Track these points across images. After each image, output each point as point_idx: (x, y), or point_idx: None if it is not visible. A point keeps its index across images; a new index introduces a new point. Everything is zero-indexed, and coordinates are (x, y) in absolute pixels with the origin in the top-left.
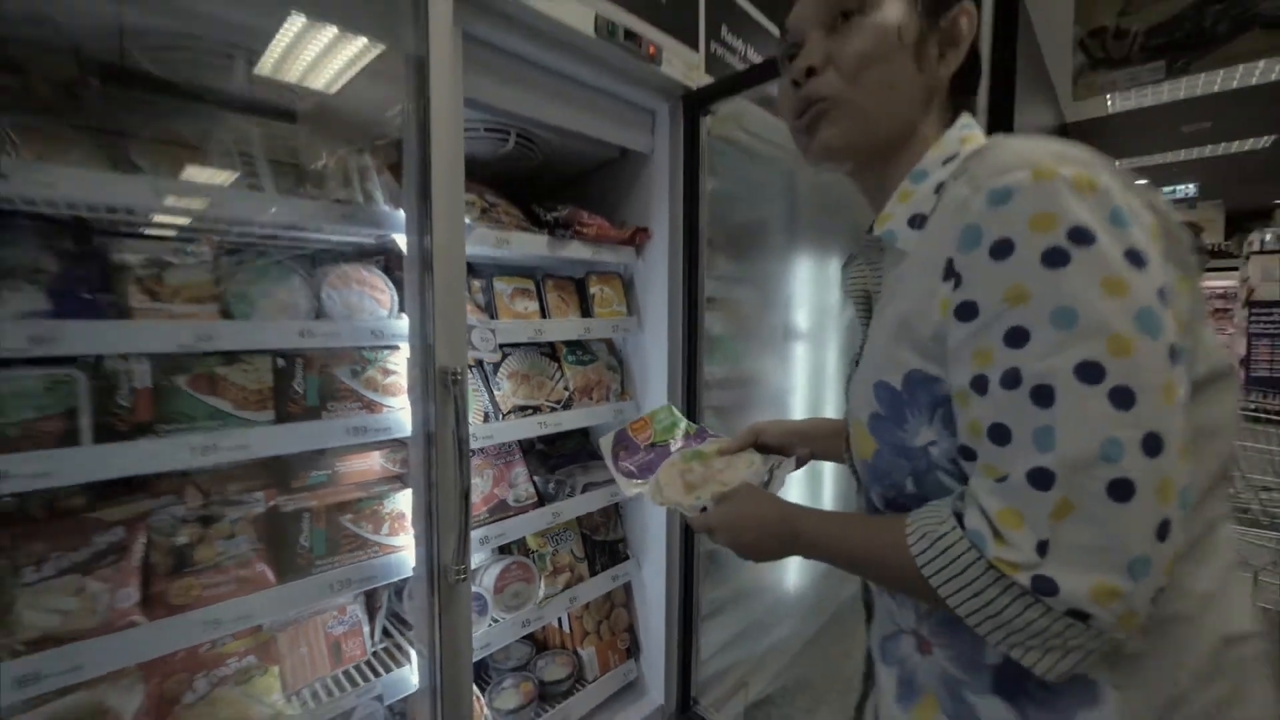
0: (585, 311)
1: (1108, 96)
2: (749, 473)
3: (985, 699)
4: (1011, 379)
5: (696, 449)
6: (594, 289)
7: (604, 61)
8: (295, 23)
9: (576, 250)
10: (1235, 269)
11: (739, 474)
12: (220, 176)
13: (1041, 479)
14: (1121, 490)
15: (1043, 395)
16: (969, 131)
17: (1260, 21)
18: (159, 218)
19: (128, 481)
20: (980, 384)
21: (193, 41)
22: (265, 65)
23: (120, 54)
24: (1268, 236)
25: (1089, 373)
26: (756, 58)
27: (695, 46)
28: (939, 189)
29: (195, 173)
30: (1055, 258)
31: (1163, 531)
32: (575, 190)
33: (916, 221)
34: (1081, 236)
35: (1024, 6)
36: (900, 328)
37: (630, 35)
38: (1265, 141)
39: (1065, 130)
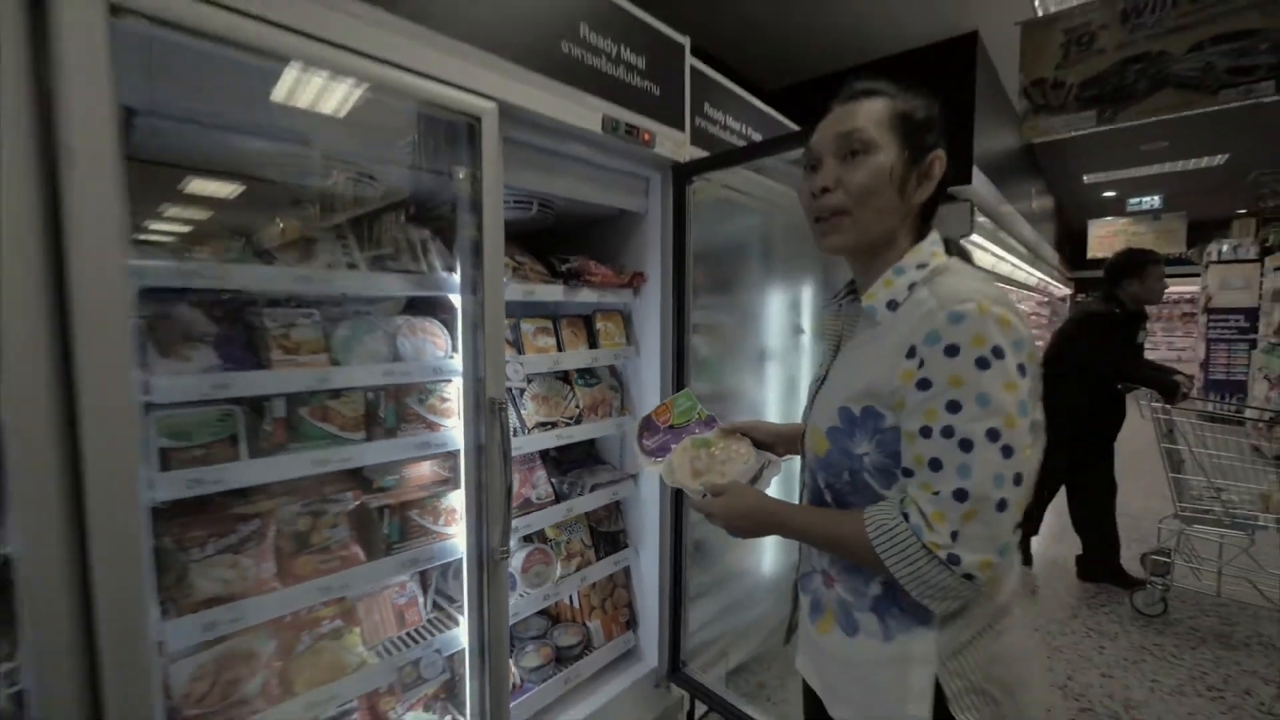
0: (593, 343)
1: None
2: (743, 467)
3: (864, 615)
4: (948, 432)
5: (705, 436)
6: (599, 325)
7: (609, 148)
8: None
9: (585, 295)
10: (1198, 275)
11: (736, 467)
12: (329, 259)
13: (961, 495)
14: (1001, 506)
15: (966, 445)
16: (936, 248)
17: (1173, 81)
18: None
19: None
20: (926, 432)
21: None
22: (355, 175)
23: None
24: (1224, 248)
25: (993, 435)
26: (734, 124)
27: (682, 127)
28: (911, 287)
29: (313, 256)
30: (982, 363)
31: (1014, 529)
32: (583, 238)
33: (892, 305)
34: (998, 353)
35: (984, 49)
36: (869, 384)
37: (630, 128)
38: (1220, 159)
39: (1031, 150)
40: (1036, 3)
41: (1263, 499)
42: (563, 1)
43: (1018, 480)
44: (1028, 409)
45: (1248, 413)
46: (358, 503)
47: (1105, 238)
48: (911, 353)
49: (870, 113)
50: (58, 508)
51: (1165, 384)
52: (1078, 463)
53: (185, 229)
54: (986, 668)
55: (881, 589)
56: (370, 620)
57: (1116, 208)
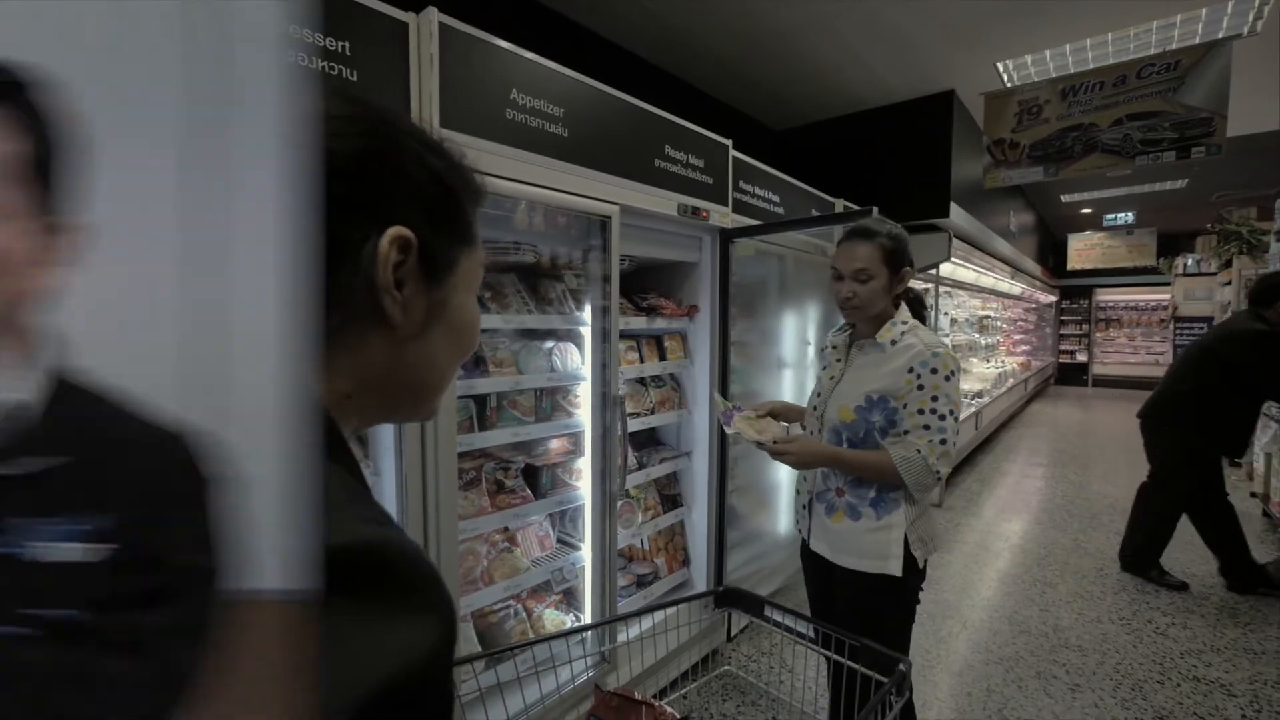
0: (662, 357)
1: None
2: (778, 429)
3: (865, 508)
4: (931, 411)
5: (748, 415)
6: (667, 343)
7: (679, 222)
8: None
9: (659, 323)
10: (1168, 284)
11: (772, 430)
12: (516, 306)
13: (942, 443)
14: (954, 446)
15: (941, 418)
16: (908, 314)
17: (1100, 148)
18: (519, 328)
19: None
20: (921, 411)
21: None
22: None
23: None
24: (1189, 262)
25: (951, 413)
26: (760, 192)
27: (726, 202)
28: (901, 334)
29: (508, 305)
30: (947, 379)
31: (954, 456)
32: (652, 278)
33: (893, 342)
34: (953, 374)
35: (960, 104)
36: (884, 385)
37: (694, 209)
38: (1181, 183)
39: None
40: (1001, 70)
41: None
42: (658, 135)
43: (958, 432)
44: (961, 401)
45: None
46: (527, 462)
47: (1083, 250)
48: (911, 370)
49: (869, 254)
50: (419, 450)
51: None
52: (1211, 474)
53: None
54: (925, 528)
55: (875, 493)
56: (525, 543)
57: (1093, 223)
